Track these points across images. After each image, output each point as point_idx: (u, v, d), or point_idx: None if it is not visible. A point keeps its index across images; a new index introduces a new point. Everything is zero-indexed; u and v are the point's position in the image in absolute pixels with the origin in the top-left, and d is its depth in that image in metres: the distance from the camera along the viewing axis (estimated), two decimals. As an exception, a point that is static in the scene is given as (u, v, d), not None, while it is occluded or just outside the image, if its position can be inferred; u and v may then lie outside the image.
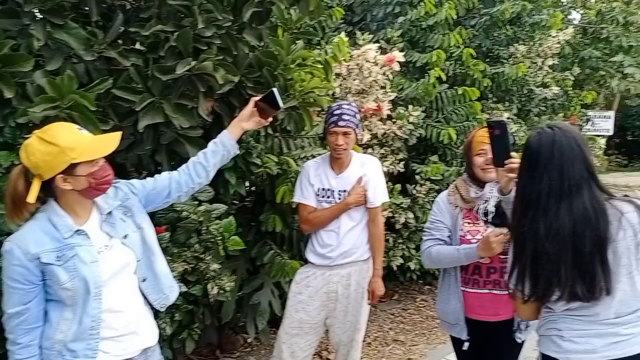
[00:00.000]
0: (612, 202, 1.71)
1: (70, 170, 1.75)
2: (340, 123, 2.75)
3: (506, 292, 2.25)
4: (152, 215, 2.54)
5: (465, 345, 2.44)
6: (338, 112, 2.77)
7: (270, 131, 3.20)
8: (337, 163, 2.85)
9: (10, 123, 2.04)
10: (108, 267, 1.86)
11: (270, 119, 2.24)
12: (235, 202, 3.31)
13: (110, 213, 1.91)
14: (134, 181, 2.05)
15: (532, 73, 6.29)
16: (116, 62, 2.31)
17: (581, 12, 9.67)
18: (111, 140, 1.83)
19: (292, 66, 2.84)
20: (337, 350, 2.99)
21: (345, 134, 2.76)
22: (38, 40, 2.12)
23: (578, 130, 1.91)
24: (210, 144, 2.16)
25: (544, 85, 6.50)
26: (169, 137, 2.50)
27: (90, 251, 1.83)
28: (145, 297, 2.00)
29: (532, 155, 1.75)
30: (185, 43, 2.35)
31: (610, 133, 13.04)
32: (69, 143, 1.73)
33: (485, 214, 2.31)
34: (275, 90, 2.09)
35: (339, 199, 2.82)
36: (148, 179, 2.09)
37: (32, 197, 1.73)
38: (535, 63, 6.33)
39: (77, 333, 1.81)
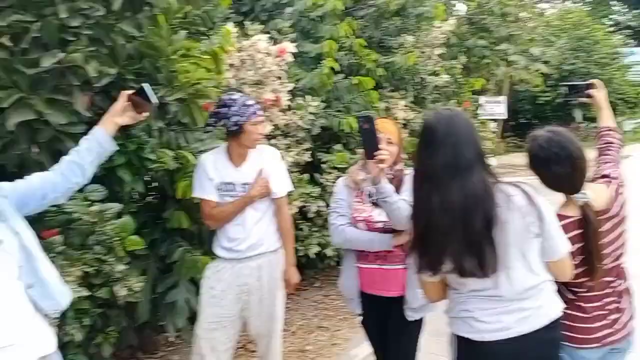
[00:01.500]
0: (499, 186, 1.74)
1: None
2: (260, 112, 2.62)
3: (396, 267, 2.36)
4: (40, 218, 2.32)
5: (359, 319, 2.49)
6: (251, 102, 2.61)
7: (163, 125, 3.01)
8: (236, 155, 2.68)
9: None
10: None
11: (147, 114, 2.07)
12: (135, 200, 3.09)
13: None
14: (4, 184, 1.85)
15: (422, 62, 6.40)
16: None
17: (466, 3, 10.04)
18: None
19: (174, 57, 2.69)
20: (258, 342, 2.84)
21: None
22: None
23: (469, 115, 1.98)
24: (83, 141, 1.98)
25: (435, 74, 6.64)
26: (47, 135, 2.27)
27: None
28: (34, 305, 1.80)
29: (429, 133, 1.77)
30: (50, 34, 2.14)
31: (505, 117, 13.62)
32: None
33: (370, 195, 2.37)
34: (146, 85, 1.96)
35: (242, 192, 2.66)
36: (19, 180, 1.89)
37: None
38: (424, 52, 6.44)
39: None
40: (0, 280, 1.72)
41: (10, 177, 1.89)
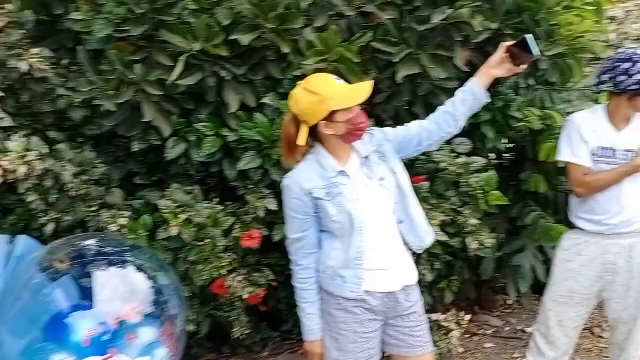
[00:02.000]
0: None
1: (330, 117, 1.83)
2: None
3: None
4: (411, 165, 2.50)
5: None
6: None
7: (531, 82, 2.83)
8: (620, 117, 2.29)
9: (288, 76, 2.19)
10: (368, 205, 1.90)
11: (524, 67, 1.95)
12: (492, 158, 3.04)
13: (367, 157, 1.95)
14: (387, 129, 2.05)
15: None
16: (374, 16, 2.29)
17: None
18: (364, 89, 1.85)
19: (557, 9, 2.46)
20: (615, 328, 2.49)
21: None
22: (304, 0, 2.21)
23: None
24: (459, 93, 2.01)
25: None
26: (425, 89, 2.40)
27: (353, 190, 1.90)
28: (402, 239, 1.99)
29: None
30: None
31: None
32: (328, 92, 1.80)
33: None
34: (528, 36, 1.84)
35: (624, 160, 2.31)
36: (399, 127, 2.07)
37: (301, 141, 1.86)
38: None
39: (345, 262, 1.91)
40: (380, 212, 1.93)
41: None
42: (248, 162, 2.39)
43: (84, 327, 1.47)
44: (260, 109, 2.39)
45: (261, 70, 2.36)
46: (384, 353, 2.10)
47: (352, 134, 1.87)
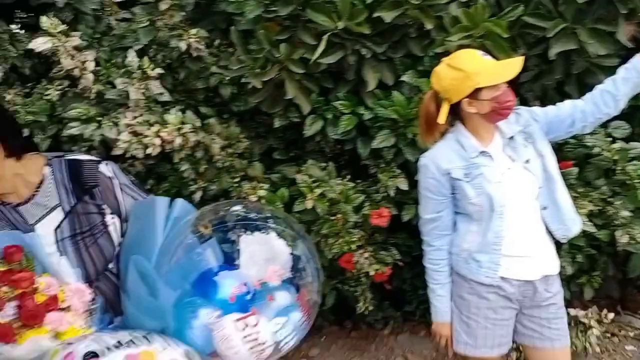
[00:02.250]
0: None
1: (475, 94, 1.75)
2: None
3: None
4: (559, 148, 2.33)
5: None
6: None
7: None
8: None
9: (429, 53, 2.14)
10: (510, 188, 1.82)
11: None
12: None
13: (512, 138, 1.86)
14: (536, 108, 1.94)
15: None
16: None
17: None
18: (513, 65, 1.75)
19: None
20: None
21: None
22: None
23: None
24: (621, 70, 1.84)
25: None
26: (580, 66, 2.20)
27: (494, 172, 1.83)
28: (545, 226, 1.89)
29: None
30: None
31: None
32: (474, 68, 1.73)
33: None
34: None
35: None
36: (549, 106, 1.93)
37: (442, 119, 1.81)
38: None
39: (481, 246, 1.85)
40: (523, 196, 1.84)
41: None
42: (382, 140, 2.39)
43: (229, 285, 1.57)
44: (397, 87, 2.36)
45: (401, 47, 2.32)
46: (514, 342, 2.01)
47: (498, 113, 1.79)
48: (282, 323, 1.54)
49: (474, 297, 1.89)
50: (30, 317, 1.37)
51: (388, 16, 2.11)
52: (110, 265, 1.62)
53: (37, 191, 1.54)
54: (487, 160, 1.84)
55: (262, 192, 2.43)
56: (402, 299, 3.12)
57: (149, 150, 2.21)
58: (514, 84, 1.82)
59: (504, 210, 1.81)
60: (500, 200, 1.80)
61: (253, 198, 2.40)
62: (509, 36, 2.03)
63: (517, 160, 1.85)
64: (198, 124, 2.37)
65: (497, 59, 1.83)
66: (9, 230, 1.51)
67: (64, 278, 1.47)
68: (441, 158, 1.85)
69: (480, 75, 1.72)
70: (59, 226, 1.55)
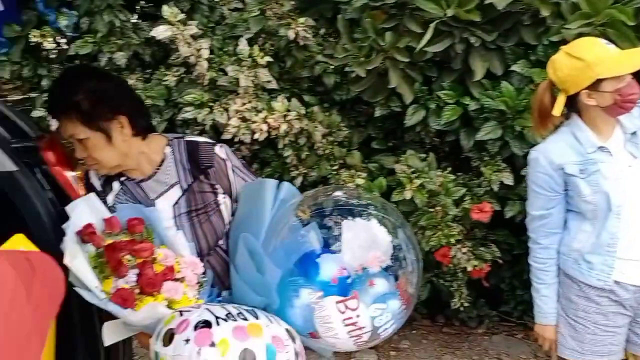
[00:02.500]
0: None
1: (595, 85, 1.64)
2: None
3: None
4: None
5: None
6: None
7: None
8: None
9: (544, 41, 2.03)
10: (630, 187, 1.70)
11: None
12: None
13: (634, 133, 1.74)
14: None
15: None
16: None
17: None
18: (639, 55, 1.65)
19: None
20: None
21: None
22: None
23: None
24: None
25: None
26: None
27: (613, 169, 1.71)
28: None
29: None
30: None
31: None
32: (596, 58, 1.62)
33: None
34: None
35: None
36: None
37: (557, 111, 1.71)
38: None
39: (594, 246, 1.74)
40: (636, 195, 1.69)
41: None
42: (487, 132, 2.31)
43: (331, 268, 1.59)
44: (506, 77, 2.27)
45: (513, 35, 2.23)
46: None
47: (620, 106, 1.67)
48: (382, 309, 1.54)
49: (582, 300, 1.78)
50: (149, 285, 1.46)
51: (501, 3, 2.03)
52: (221, 242, 1.71)
53: (158, 169, 1.65)
54: (605, 156, 1.72)
55: (360, 181, 2.45)
56: (499, 298, 3.02)
57: (256, 136, 2.30)
58: (638, 75, 1.69)
59: (621, 210, 1.69)
60: (619, 199, 1.69)
61: (351, 186, 2.42)
62: (634, 24, 1.88)
63: (639, 157, 1.71)
64: (302, 111, 2.42)
65: (620, 48, 1.71)
66: (133, 204, 1.63)
67: (179, 251, 1.56)
68: (554, 152, 1.76)
69: (602, 66, 1.61)
70: (176, 202, 1.65)
